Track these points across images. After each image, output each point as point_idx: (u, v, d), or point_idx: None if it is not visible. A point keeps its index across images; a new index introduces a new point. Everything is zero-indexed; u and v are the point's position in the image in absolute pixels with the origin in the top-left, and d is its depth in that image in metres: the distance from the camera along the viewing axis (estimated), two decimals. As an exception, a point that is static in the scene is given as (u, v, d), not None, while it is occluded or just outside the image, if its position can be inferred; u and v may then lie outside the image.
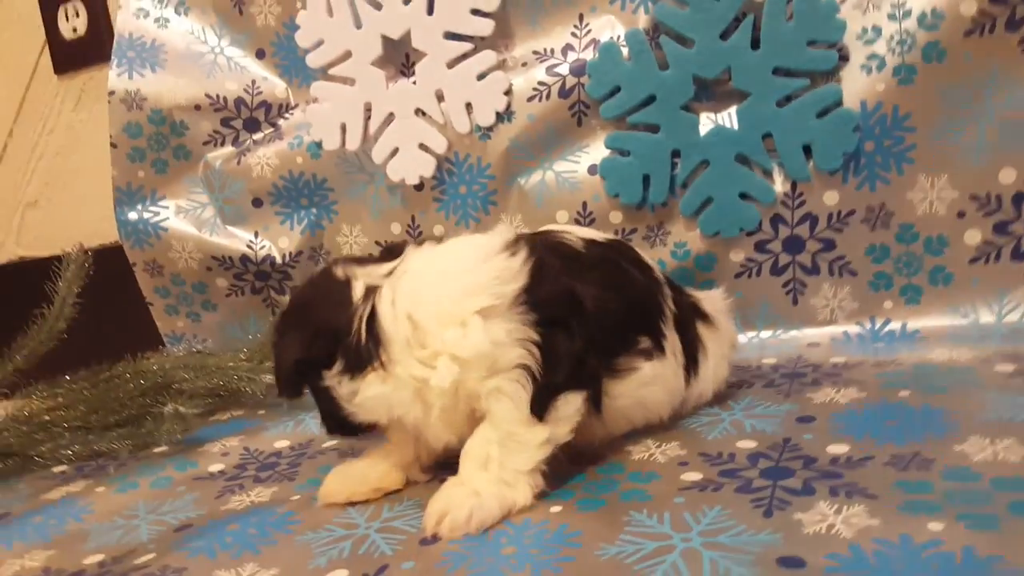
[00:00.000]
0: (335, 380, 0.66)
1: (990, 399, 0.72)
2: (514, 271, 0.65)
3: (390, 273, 0.68)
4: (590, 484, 0.68)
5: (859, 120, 0.94)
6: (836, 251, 1.00)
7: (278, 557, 0.64)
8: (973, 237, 0.94)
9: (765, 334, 1.04)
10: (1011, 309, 0.94)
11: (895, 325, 0.98)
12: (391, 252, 0.72)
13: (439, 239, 0.72)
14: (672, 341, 0.76)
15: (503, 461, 0.64)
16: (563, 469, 0.68)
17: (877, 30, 0.93)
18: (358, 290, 0.67)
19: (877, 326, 0.99)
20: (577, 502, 0.65)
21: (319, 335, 0.66)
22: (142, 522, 0.76)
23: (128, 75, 1.24)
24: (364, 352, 0.65)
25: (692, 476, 0.67)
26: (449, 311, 0.64)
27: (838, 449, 0.67)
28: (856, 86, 0.94)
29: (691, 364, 0.79)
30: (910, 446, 0.66)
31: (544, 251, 0.69)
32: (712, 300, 0.85)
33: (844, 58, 0.95)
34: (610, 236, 0.82)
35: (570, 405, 0.66)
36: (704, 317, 0.82)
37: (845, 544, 0.52)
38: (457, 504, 0.62)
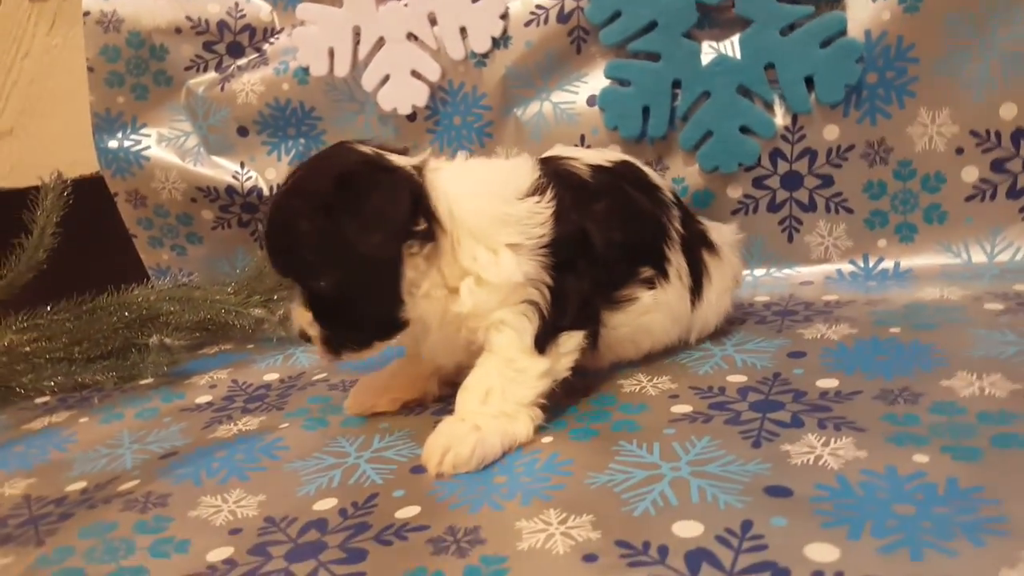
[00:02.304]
0: (415, 249, 0.63)
1: (979, 336, 0.73)
2: (544, 217, 0.66)
3: (418, 167, 0.66)
4: (582, 415, 0.69)
5: (863, 51, 0.91)
6: (834, 187, 0.98)
7: (265, 484, 0.65)
8: (970, 174, 0.93)
9: (759, 272, 1.03)
10: (1003, 248, 0.94)
11: (888, 264, 0.98)
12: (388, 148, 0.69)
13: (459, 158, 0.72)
14: (678, 264, 0.76)
15: (504, 392, 0.64)
16: (556, 401, 0.69)
17: (886, -47, 0.89)
18: (404, 166, 0.65)
19: (871, 264, 0.99)
20: (569, 432, 0.66)
21: (410, 185, 0.63)
22: (126, 451, 0.76)
23: (103, -5, 1.18)
24: (434, 223, 0.63)
25: (682, 408, 0.67)
26: (486, 232, 0.64)
27: (828, 383, 0.68)
28: (861, 14, 0.91)
29: (696, 288, 0.79)
30: (898, 381, 0.66)
31: (557, 186, 0.68)
32: (721, 232, 0.85)
33: (850, -17, 0.91)
34: (617, 157, 0.81)
35: (571, 341, 0.67)
36: (710, 247, 0.81)
37: (832, 475, 0.53)
38: (459, 439, 0.62)
